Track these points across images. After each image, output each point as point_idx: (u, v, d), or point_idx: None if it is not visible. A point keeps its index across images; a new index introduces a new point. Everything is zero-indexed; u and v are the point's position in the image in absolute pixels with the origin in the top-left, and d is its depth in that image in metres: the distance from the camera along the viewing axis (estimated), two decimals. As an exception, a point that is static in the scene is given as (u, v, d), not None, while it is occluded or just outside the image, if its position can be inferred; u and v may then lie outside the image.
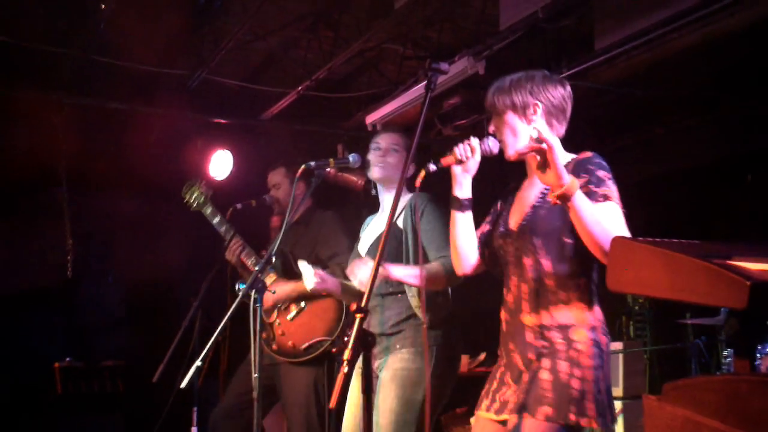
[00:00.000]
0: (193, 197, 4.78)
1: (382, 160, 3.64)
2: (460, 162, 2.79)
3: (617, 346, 5.76)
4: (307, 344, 4.34)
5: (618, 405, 5.49)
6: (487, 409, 2.72)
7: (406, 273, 3.32)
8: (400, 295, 3.45)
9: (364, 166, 3.70)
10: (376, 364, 3.47)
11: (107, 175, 6.29)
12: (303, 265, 3.63)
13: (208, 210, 4.72)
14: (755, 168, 5.78)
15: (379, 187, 3.74)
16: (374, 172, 3.65)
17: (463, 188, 2.85)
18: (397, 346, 3.41)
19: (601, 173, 2.61)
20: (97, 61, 5.43)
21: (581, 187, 2.52)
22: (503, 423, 2.67)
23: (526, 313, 2.66)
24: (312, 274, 3.57)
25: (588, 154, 2.71)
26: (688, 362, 5.45)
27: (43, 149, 5.99)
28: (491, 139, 2.80)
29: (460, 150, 2.78)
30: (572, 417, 2.48)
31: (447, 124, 5.94)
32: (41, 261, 6.28)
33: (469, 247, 2.90)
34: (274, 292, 4.43)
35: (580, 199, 2.44)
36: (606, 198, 2.56)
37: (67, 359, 5.96)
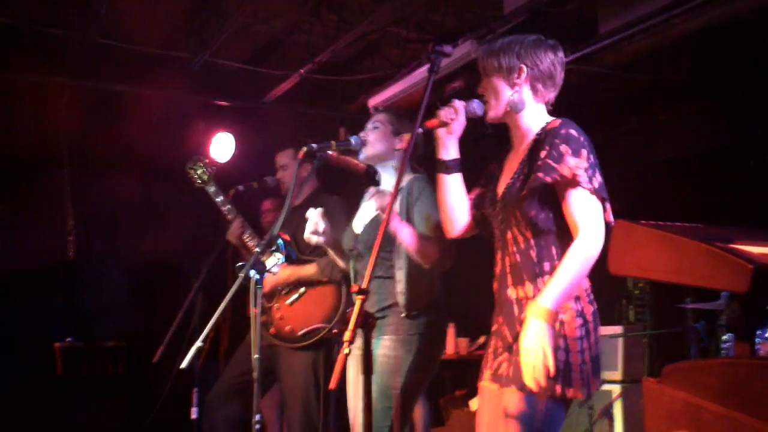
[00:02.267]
0: (197, 174, 4.76)
1: (364, 140, 3.62)
2: (444, 124, 2.78)
3: (617, 329, 5.76)
4: (304, 330, 4.34)
5: (617, 388, 5.50)
6: (491, 379, 2.72)
7: (402, 228, 3.27)
8: (387, 279, 3.40)
9: None
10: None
11: (109, 157, 6.30)
12: (311, 213, 3.60)
13: (212, 188, 4.70)
14: (758, 154, 5.76)
15: (376, 166, 3.71)
16: (359, 156, 3.62)
17: (448, 150, 2.83)
18: (383, 331, 3.37)
19: (563, 147, 2.54)
20: (99, 44, 5.41)
21: (541, 160, 2.53)
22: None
23: (510, 287, 2.65)
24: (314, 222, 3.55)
25: (556, 122, 2.65)
26: (688, 347, 5.44)
27: (45, 131, 6.00)
28: (476, 101, 2.78)
29: (444, 112, 2.78)
30: (558, 389, 2.48)
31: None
32: (43, 242, 6.29)
33: (459, 209, 2.87)
34: (274, 273, 4.42)
35: None
36: (561, 177, 2.51)
37: (68, 340, 5.97)
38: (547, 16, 4.98)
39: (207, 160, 4.78)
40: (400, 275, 3.36)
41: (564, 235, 2.57)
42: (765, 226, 2.28)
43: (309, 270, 4.39)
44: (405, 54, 5.90)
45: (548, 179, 2.52)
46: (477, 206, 2.89)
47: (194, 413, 3.95)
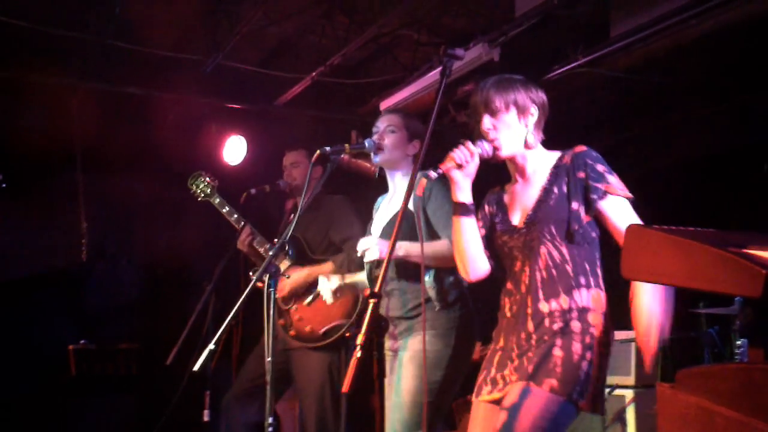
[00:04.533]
0: (199, 189, 4.83)
1: (379, 144, 3.62)
2: (459, 167, 2.80)
3: (630, 334, 5.73)
4: (325, 328, 4.36)
5: (630, 393, 5.49)
6: (489, 394, 2.75)
7: (411, 248, 3.31)
8: (416, 278, 3.44)
9: None
10: (397, 345, 3.48)
11: (122, 159, 6.32)
12: (322, 282, 3.67)
13: (216, 200, 4.77)
14: (774, 157, 5.73)
15: (385, 169, 3.71)
16: (374, 158, 3.63)
17: (464, 192, 2.86)
18: (417, 328, 3.40)
19: (600, 167, 2.71)
20: (112, 46, 5.43)
21: (583, 181, 2.68)
22: (498, 402, 2.70)
23: (543, 301, 2.69)
24: (328, 288, 3.62)
25: (582, 148, 2.78)
26: (701, 352, 5.43)
27: (58, 133, 6.02)
28: (485, 141, 2.81)
29: (458, 155, 2.78)
30: (575, 396, 2.54)
31: (461, 111, 5.93)
32: (56, 244, 6.32)
33: (478, 251, 2.92)
34: (288, 277, 4.45)
35: None
36: (607, 192, 2.68)
37: (82, 342, 5.99)
38: (558, 18, 4.98)
39: (207, 174, 4.84)
40: (431, 273, 3.40)
41: (594, 249, 2.73)
42: (779, 231, 2.27)
43: (326, 268, 4.40)
44: (417, 57, 5.90)
45: (599, 197, 2.68)
46: (485, 246, 2.93)
47: (206, 416, 3.96)
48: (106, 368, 5.94)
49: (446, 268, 3.37)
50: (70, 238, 6.16)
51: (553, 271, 2.69)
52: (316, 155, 3.45)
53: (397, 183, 3.66)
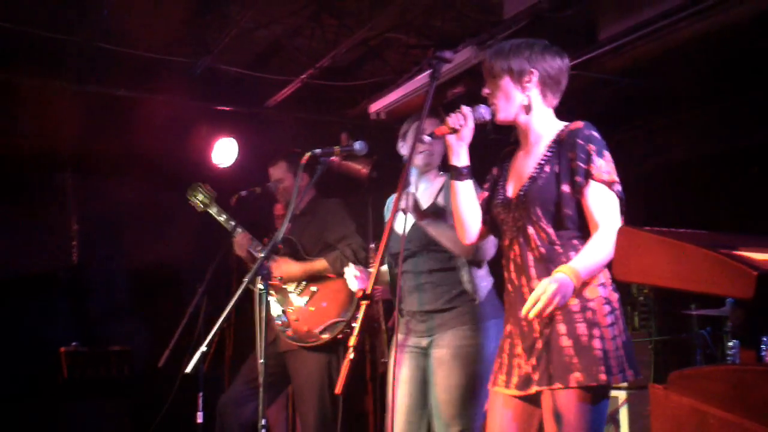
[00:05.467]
0: (199, 200, 4.85)
1: (428, 148, 3.63)
2: (454, 131, 2.81)
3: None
4: (322, 327, 4.38)
5: (623, 395, 5.50)
6: (506, 385, 2.74)
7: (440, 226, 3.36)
8: (450, 271, 3.47)
9: (369, 153, 3.71)
10: (425, 341, 3.49)
11: (112, 162, 6.30)
12: (349, 270, 3.66)
13: (214, 209, 4.80)
14: (761, 159, 5.77)
15: (414, 171, 3.70)
16: (417, 159, 3.63)
17: (460, 157, 2.88)
18: (454, 323, 3.43)
19: (591, 147, 2.66)
20: (101, 48, 5.42)
21: (570, 162, 2.62)
22: (526, 399, 2.70)
23: (536, 279, 2.67)
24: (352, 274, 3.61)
25: (579, 124, 2.73)
26: (693, 353, 5.45)
27: (47, 135, 6.00)
28: (483, 106, 2.82)
29: (453, 119, 2.80)
30: (602, 377, 2.53)
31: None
32: (46, 246, 6.30)
33: (473, 216, 2.94)
34: (280, 279, 4.47)
35: None
36: (590, 176, 2.63)
37: (73, 344, 5.97)
38: (547, 21, 4.99)
39: (206, 184, 4.86)
40: (462, 262, 3.43)
41: (583, 232, 2.68)
42: (768, 232, 2.29)
43: (319, 265, 4.43)
44: (406, 59, 5.91)
45: (583, 180, 2.63)
46: (485, 211, 2.93)
47: (199, 418, 3.97)
48: (98, 371, 5.92)
49: (476, 260, 3.42)
50: (61, 240, 6.14)
51: (542, 250, 2.68)
52: (305, 158, 3.45)
53: (424, 186, 3.70)
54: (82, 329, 6.27)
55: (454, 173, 2.89)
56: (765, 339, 4.07)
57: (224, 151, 6.35)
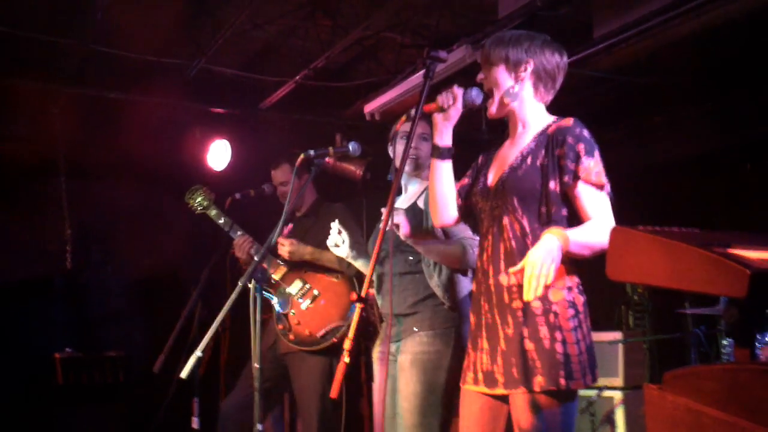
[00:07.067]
0: (197, 202, 4.83)
1: (414, 152, 3.60)
2: (441, 109, 2.79)
3: (617, 335, 5.75)
4: (323, 331, 4.37)
5: (618, 395, 5.50)
6: (475, 382, 2.72)
7: (427, 244, 3.30)
8: (417, 274, 3.41)
9: (363, 154, 3.69)
10: (393, 347, 3.45)
11: (106, 165, 6.29)
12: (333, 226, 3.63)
13: (213, 212, 4.78)
14: (755, 157, 5.77)
15: (405, 176, 3.67)
16: (406, 167, 3.57)
17: (443, 137, 2.84)
18: (414, 329, 3.38)
19: (580, 146, 2.62)
20: (95, 51, 5.41)
21: (559, 159, 2.59)
22: (494, 396, 2.68)
23: (504, 273, 2.64)
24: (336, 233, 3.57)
25: (569, 121, 2.70)
26: (688, 352, 5.44)
27: (41, 139, 5.99)
28: (475, 89, 2.79)
29: (442, 97, 2.78)
30: (562, 381, 2.50)
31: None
32: (40, 251, 6.29)
33: (449, 198, 2.90)
34: (286, 289, 4.46)
35: None
36: (578, 177, 2.59)
37: (68, 350, 5.97)
38: (541, 20, 4.99)
39: (204, 187, 4.84)
40: (433, 268, 3.37)
41: (561, 226, 2.60)
42: (763, 230, 2.28)
43: (330, 255, 4.33)
44: (400, 59, 5.90)
45: (571, 180, 2.59)
46: (463, 197, 2.91)
47: (195, 423, 3.95)
48: (93, 376, 5.91)
49: (462, 269, 3.37)
50: (55, 245, 6.13)
51: (513, 243, 2.63)
52: (299, 159, 3.44)
53: (413, 188, 3.67)
54: (77, 335, 6.26)
55: (436, 152, 2.85)
56: (759, 337, 4.06)
57: (219, 153, 6.35)
